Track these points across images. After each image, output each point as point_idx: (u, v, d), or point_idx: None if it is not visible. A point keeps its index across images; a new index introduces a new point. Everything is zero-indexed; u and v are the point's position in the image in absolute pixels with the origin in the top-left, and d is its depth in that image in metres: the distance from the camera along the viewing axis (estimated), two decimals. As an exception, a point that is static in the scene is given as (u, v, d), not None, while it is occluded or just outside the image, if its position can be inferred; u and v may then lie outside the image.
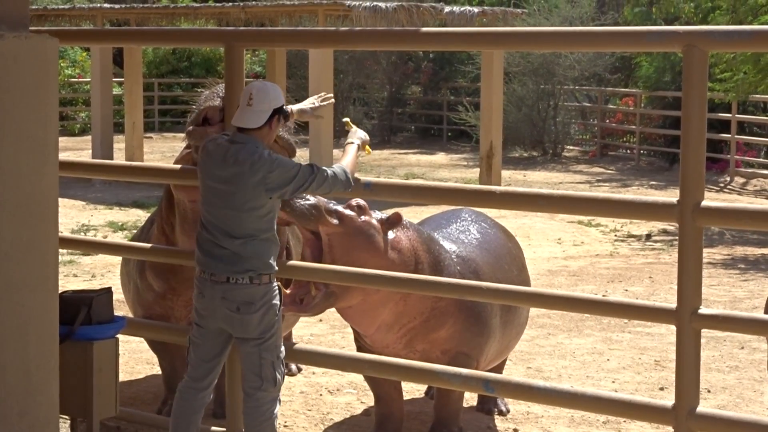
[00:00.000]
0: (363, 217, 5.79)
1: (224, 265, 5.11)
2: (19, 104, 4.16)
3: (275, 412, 5.25)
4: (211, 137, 5.38)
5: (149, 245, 6.44)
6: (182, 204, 6.14)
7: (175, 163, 6.19)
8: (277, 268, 5.23)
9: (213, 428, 5.91)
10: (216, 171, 5.15)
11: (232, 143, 5.15)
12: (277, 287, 5.23)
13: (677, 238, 4.62)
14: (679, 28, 4.69)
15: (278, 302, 5.22)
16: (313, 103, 5.68)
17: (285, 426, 6.65)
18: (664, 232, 15.66)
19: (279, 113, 5.20)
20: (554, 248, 14.25)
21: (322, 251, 5.69)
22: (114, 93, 23.55)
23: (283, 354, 5.27)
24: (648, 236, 15.31)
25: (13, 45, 4.12)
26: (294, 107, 5.58)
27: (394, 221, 5.87)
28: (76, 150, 24.71)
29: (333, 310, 5.92)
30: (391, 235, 5.86)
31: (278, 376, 5.22)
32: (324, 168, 5.19)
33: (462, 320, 6.04)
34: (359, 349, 6.22)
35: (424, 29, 5.53)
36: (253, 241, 5.12)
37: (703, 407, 4.69)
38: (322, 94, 5.81)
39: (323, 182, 5.17)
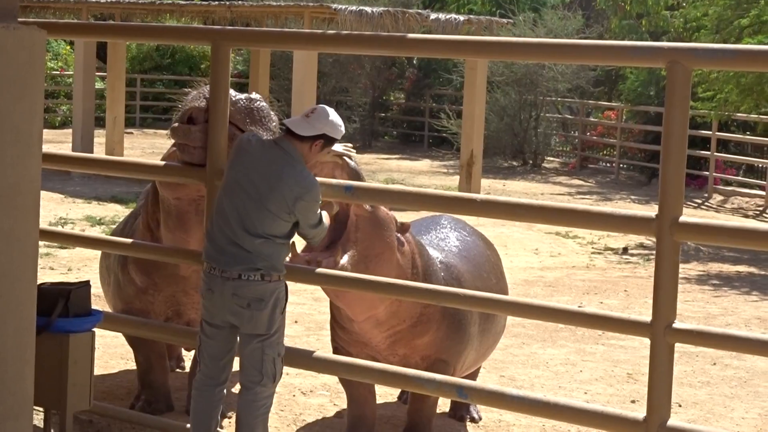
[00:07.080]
0: (391, 212, 5.91)
1: (237, 262, 5.14)
2: (5, 95, 4.15)
3: (270, 408, 5.31)
4: (252, 133, 5.43)
5: (131, 240, 6.44)
6: (167, 201, 6.16)
7: (162, 160, 6.20)
8: (285, 270, 5.27)
9: None
10: (256, 166, 5.18)
11: (277, 145, 5.21)
12: (284, 285, 5.27)
13: (654, 252, 4.65)
14: (664, 44, 4.72)
15: (285, 300, 5.27)
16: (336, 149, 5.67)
17: (258, 426, 6.66)
18: (641, 246, 15.74)
19: (324, 140, 5.23)
20: (531, 258, 14.30)
21: (335, 230, 5.73)
22: (96, 87, 23.48)
23: (283, 352, 5.32)
24: (625, 250, 15.37)
25: (1, 36, 4.12)
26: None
27: (405, 229, 5.99)
28: (56, 143, 24.59)
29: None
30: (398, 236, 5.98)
31: (277, 373, 5.28)
32: (323, 226, 5.32)
33: (444, 327, 6.08)
34: (336, 348, 6.24)
35: (411, 35, 5.55)
36: (270, 243, 5.15)
37: (674, 421, 4.72)
38: (348, 144, 5.84)
39: (317, 236, 5.33)
